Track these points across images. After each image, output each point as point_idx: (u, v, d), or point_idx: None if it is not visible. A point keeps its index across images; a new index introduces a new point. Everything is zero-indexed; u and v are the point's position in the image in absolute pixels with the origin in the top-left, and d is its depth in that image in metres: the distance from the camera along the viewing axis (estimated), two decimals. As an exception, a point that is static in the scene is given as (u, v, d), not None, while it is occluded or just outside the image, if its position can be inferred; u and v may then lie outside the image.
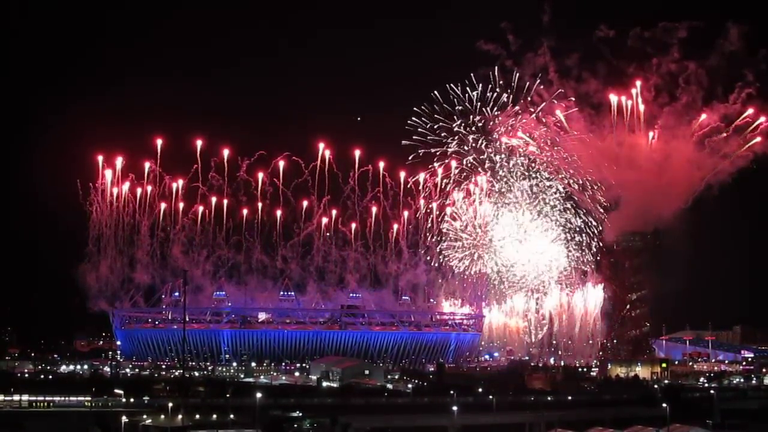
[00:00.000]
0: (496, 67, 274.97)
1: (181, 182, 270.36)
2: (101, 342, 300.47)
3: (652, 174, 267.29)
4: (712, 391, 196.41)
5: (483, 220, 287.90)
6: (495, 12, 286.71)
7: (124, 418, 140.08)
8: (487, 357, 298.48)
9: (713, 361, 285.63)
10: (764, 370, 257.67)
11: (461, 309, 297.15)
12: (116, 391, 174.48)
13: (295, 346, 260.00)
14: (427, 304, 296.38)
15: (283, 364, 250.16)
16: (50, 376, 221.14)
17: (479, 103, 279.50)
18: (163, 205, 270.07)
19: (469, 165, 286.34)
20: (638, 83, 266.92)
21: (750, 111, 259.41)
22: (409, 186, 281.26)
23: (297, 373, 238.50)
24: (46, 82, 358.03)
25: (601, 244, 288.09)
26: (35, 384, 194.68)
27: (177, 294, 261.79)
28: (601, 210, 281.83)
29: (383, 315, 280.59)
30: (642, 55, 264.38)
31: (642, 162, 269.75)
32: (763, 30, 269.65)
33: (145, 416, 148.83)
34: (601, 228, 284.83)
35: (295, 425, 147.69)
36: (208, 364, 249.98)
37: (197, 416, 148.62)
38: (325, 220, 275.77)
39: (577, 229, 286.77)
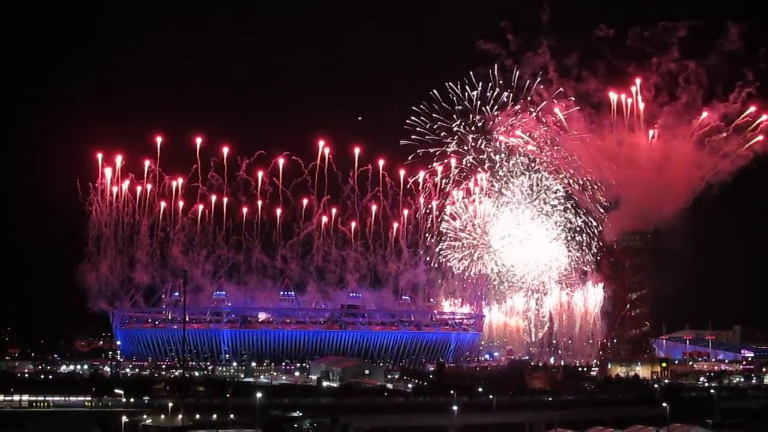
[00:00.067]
0: (496, 66, 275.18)
1: (180, 181, 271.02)
2: (101, 342, 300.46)
3: (652, 173, 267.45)
4: (712, 391, 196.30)
5: (483, 219, 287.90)
6: (495, 11, 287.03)
7: (124, 418, 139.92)
8: (487, 357, 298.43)
9: (713, 360, 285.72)
10: (764, 369, 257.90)
11: (461, 309, 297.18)
12: (116, 391, 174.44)
13: (295, 346, 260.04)
14: (427, 304, 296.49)
15: (283, 363, 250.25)
16: (50, 376, 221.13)
17: (479, 102, 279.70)
18: (162, 204, 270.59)
19: (468, 164, 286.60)
20: (638, 81, 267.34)
21: (752, 109, 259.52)
22: (408, 186, 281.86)
23: (297, 373, 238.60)
24: (45, 81, 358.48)
25: (601, 244, 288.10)
26: (35, 384, 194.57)
27: (177, 294, 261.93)
28: (601, 209, 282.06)
29: (383, 315, 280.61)
30: (642, 54, 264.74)
31: (642, 161, 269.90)
32: (763, 29, 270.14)
33: (145, 416, 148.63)
34: (601, 227, 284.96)
35: (295, 425, 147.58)
36: (208, 364, 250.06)
37: (197, 416, 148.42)
38: (325, 219, 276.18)
39: (577, 228, 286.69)
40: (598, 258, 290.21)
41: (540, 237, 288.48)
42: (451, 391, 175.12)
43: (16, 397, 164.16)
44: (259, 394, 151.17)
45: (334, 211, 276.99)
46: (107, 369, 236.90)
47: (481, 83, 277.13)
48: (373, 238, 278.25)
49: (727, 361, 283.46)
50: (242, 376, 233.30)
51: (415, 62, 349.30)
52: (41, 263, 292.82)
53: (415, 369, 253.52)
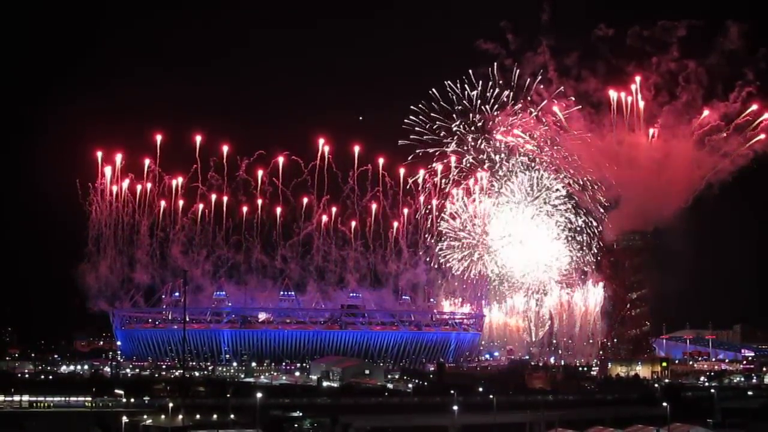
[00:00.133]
0: (495, 65, 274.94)
1: (180, 180, 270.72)
2: (101, 342, 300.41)
3: (652, 173, 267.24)
4: (712, 390, 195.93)
5: (482, 219, 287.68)
6: (494, 11, 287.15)
7: (124, 419, 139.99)
8: (487, 356, 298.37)
9: (713, 360, 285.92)
10: (764, 369, 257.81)
11: (461, 308, 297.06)
12: (116, 391, 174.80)
13: (295, 346, 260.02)
14: (427, 304, 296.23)
15: (284, 364, 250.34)
16: (50, 377, 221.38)
17: (479, 101, 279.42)
18: (162, 203, 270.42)
19: (468, 164, 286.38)
20: (638, 79, 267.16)
21: (754, 107, 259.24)
22: (408, 187, 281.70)
23: (297, 373, 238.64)
24: (45, 81, 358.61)
25: (601, 244, 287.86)
26: (35, 384, 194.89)
27: (177, 294, 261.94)
28: (601, 209, 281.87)
29: (383, 315, 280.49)
30: (641, 53, 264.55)
31: (642, 161, 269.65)
32: (763, 28, 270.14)
33: (145, 416, 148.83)
34: (601, 227, 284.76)
35: (296, 425, 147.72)
36: (208, 364, 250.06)
37: (197, 416, 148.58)
38: (324, 218, 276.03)
39: (578, 228, 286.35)
40: (599, 258, 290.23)
41: (540, 237, 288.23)
42: (452, 391, 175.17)
43: (17, 398, 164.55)
44: (259, 394, 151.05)
45: (334, 210, 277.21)
46: (107, 369, 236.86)
47: (481, 82, 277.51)
48: (373, 238, 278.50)
49: (727, 360, 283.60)
50: (242, 376, 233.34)
51: (415, 62, 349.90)
52: (41, 263, 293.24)
53: (416, 369, 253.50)
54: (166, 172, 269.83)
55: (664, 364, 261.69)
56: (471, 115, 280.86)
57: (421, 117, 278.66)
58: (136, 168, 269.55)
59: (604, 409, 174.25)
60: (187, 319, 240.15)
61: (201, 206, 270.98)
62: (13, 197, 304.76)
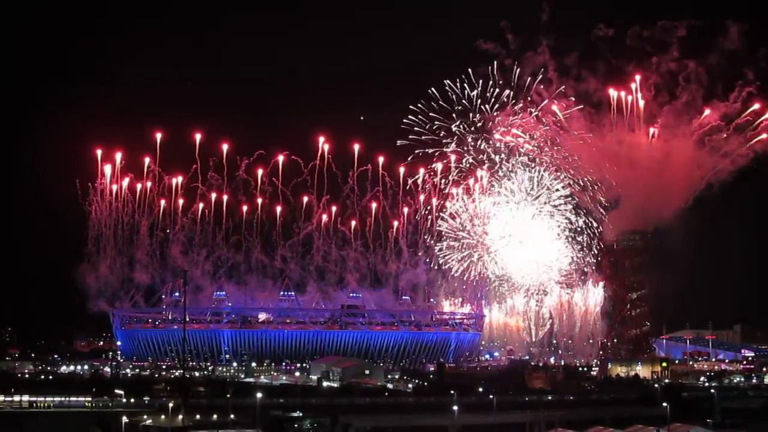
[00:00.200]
0: (495, 65, 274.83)
1: (180, 179, 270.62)
2: (101, 342, 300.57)
3: (652, 173, 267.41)
4: (712, 391, 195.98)
5: (482, 219, 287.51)
6: (494, 11, 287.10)
7: (124, 419, 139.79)
8: (487, 356, 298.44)
9: (713, 360, 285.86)
10: (764, 369, 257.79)
11: (461, 308, 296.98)
12: (117, 391, 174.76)
13: (295, 346, 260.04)
14: (428, 304, 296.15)
15: (284, 364, 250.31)
16: (50, 377, 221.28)
17: (479, 101, 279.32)
18: (162, 203, 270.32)
19: (468, 164, 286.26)
20: (638, 77, 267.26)
21: (756, 106, 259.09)
22: (408, 187, 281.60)
23: (297, 373, 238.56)
24: (44, 80, 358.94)
25: (601, 244, 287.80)
26: (36, 384, 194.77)
27: (177, 294, 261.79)
28: (602, 209, 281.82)
29: (383, 315, 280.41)
30: (641, 53, 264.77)
31: (642, 161, 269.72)
32: (763, 28, 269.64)
33: (145, 416, 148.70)
34: (601, 227, 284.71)
35: (296, 425, 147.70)
36: (208, 364, 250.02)
37: (198, 416, 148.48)
38: (324, 218, 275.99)
39: (578, 228, 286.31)
40: (599, 258, 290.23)
41: (540, 237, 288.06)
42: (452, 391, 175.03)
43: (17, 398, 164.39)
44: (259, 395, 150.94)
45: (334, 209, 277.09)
46: (107, 369, 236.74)
47: (481, 81, 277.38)
48: (373, 237, 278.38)
49: (727, 360, 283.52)
50: (242, 376, 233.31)
51: (415, 62, 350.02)
52: (41, 264, 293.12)
53: (416, 369, 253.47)
54: (166, 172, 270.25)
55: (664, 364, 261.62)
56: (471, 115, 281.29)
57: (420, 117, 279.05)
58: (136, 167, 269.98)
59: (604, 409, 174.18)
60: (187, 319, 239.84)
61: (201, 206, 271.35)
62: (13, 197, 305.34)
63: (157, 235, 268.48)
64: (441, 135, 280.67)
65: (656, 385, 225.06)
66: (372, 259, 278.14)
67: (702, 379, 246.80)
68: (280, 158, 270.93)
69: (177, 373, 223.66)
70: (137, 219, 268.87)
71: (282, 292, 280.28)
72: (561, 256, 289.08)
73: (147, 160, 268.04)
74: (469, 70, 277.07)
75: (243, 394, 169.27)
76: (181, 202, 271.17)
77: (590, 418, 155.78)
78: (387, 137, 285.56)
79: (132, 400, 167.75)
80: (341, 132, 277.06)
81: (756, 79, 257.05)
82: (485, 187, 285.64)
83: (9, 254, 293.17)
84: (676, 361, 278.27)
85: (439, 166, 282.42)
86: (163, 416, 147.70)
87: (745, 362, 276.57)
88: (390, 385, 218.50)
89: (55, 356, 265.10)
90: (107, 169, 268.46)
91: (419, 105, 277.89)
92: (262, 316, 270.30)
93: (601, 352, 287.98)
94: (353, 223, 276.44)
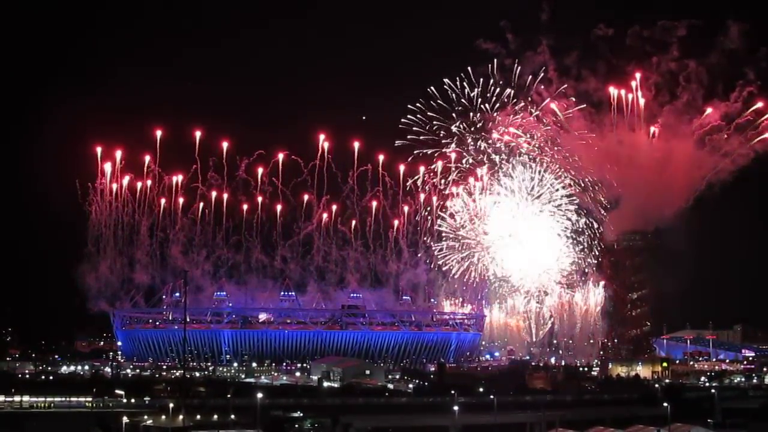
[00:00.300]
0: (495, 64, 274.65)
1: (180, 177, 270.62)
2: (102, 343, 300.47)
3: (652, 173, 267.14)
4: (713, 391, 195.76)
5: (482, 220, 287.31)
6: (494, 11, 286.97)
7: (125, 419, 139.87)
8: (487, 356, 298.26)
9: (714, 360, 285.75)
10: (765, 369, 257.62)
11: (462, 308, 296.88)
12: (117, 391, 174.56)
13: (295, 346, 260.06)
14: (428, 304, 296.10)
15: (284, 364, 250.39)
16: (51, 377, 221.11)
17: (480, 100, 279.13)
18: (162, 201, 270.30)
19: (468, 164, 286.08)
20: (638, 75, 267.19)
21: (759, 105, 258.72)
22: (408, 188, 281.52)
23: (298, 374, 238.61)
24: (44, 80, 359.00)
25: (602, 245, 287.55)
26: (36, 385, 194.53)
27: (177, 294, 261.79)
28: (602, 209, 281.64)
29: (384, 315, 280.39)
30: (641, 53, 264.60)
31: (643, 161, 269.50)
32: (764, 28, 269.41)
33: (146, 417, 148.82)
34: (601, 227, 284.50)
35: (296, 425, 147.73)
36: (208, 364, 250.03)
37: (198, 416, 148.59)
38: (325, 217, 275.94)
39: (578, 228, 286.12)
40: (599, 258, 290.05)
41: (540, 237, 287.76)
42: (452, 391, 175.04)
43: (17, 398, 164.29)
44: (259, 395, 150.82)
45: (334, 207, 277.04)
46: (108, 369, 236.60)
47: (482, 80, 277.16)
48: (373, 237, 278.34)
49: (727, 360, 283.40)
50: (243, 376, 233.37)
51: (415, 61, 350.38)
52: (42, 264, 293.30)
53: (416, 369, 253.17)
54: (166, 171, 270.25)
55: (665, 364, 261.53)
56: (471, 114, 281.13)
57: (419, 116, 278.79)
58: (136, 166, 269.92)
59: (604, 409, 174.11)
60: (188, 320, 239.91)
61: (201, 206, 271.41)
62: (12, 197, 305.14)
63: (157, 235, 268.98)
64: (441, 135, 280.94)
65: (657, 385, 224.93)
66: (372, 259, 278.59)
67: (702, 379, 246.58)
68: (280, 157, 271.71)
69: (177, 374, 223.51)
70: (137, 219, 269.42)
71: (282, 293, 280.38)
72: (562, 256, 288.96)
73: (147, 158, 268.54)
74: (469, 69, 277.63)
75: (243, 395, 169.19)
76: (181, 201, 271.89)
77: (591, 419, 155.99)
78: (387, 136, 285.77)
79: (132, 400, 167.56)
80: (341, 131, 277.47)
81: (757, 79, 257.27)
82: (485, 186, 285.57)
83: (9, 254, 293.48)
84: (677, 361, 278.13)
85: (439, 166, 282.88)
86: (163, 416, 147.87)
87: (745, 362, 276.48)
88: (390, 386, 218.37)
89: (56, 356, 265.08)
90: (107, 167, 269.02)
91: (418, 104, 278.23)
92: (262, 317, 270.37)
93: (601, 352, 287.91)
94: (353, 223, 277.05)
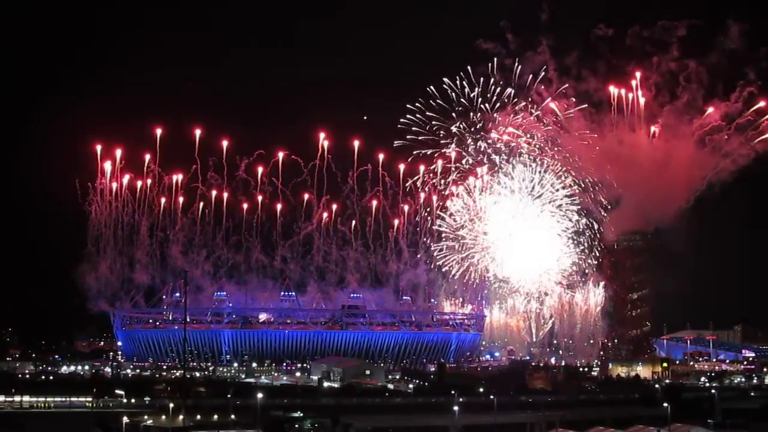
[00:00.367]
0: (495, 64, 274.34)
1: (180, 177, 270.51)
2: (102, 343, 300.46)
3: (653, 173, 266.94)
4: (713, 391, 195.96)
5: (482, 220, 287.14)
6: (494, 11, 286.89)
7: (125, 419, 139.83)
8: (488, 357, 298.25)
9: (714, 360, 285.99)
10: (765, 369, 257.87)
11: (462, 309, 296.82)
12: (117, 391, 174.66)
13: (295, 347, 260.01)
14: (428, 304, 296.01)
15: (284, 364, 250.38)
16: (51, 377, 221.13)
17: (480, 99, 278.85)
18: (162, 201, 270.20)
19: (468, 164, 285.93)
20: (638, 75, 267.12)
21: (761, 104, 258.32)
22: (408, 188, 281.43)
23: (298, 374, 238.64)
24: (43, 79, 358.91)
25: (602, 245, 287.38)
26: (36, 385, 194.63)
27: (177, 294, 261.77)
28: (602, 210, 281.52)
29: (384, 315, 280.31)
30: (641, 53, 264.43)
31: (643, 161, 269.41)
32: (764, 28, 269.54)
33: (146, 417, 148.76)
34: (602, 228, 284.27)
35: (297, 425, 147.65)
36: (209, 364, 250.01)
37: (198, 417, 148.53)
38: (325, 217, 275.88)
39: (578, 229, 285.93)
40: (599, 258, 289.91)
41: (540, 238, 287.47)
42: (452, 392, 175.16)
43: (17, 398, 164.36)
44: (260, 395, 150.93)
45: (334, 207, 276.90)
46: (108, 370, 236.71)
47: (482, 79, 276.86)
48: (373, 237, 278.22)
49: (728, 361, 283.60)
50: (243, 376, 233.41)
51: (414, 61, 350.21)
52: (41, 264, 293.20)
53: (416, 369, 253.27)
54: (166, 171, 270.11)
55: (665, 364, 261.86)
56: (471, 114, 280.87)
57: (419, 116, 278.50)
58: (136, 165, 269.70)
59: (604, 409, 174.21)
60: (188, 320, 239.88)
61: (201, 205, 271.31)
62: (12, 197, 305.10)
63: (157, 235, 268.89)
64: (441, 135, 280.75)
65: (657, 386, 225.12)
66: (372, 259, 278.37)
67: (703, 379, 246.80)
68: (280, 157, 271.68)
69: (178, 374, 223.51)
70: (137, 219, 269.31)
71: (282, 293, 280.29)
72: (562, 256, 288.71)
73: (147, 158, 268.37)
74: (469, 69, 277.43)
75: (244, 395, 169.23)
76: (180, 201, 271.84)
77: (591, 419, 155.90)
78: (387, 136, 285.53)
79: (133, 400, 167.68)
80: (341, 131, 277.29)
81: (757, 79, 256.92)
82: (485, 186, 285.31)
83: (9, 254, 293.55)
84: (677, 362, 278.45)
85: (439, 166, 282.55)
86: (163, 416, 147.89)
87: (745, 362, 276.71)
88: (390, 386, 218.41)
89: (56, 356, 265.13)
90: (107, 166, 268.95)
91: (418, 104, 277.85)
92: (262, 317, 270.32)
93: (601, 353, 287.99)
94: (353, 223, 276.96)
